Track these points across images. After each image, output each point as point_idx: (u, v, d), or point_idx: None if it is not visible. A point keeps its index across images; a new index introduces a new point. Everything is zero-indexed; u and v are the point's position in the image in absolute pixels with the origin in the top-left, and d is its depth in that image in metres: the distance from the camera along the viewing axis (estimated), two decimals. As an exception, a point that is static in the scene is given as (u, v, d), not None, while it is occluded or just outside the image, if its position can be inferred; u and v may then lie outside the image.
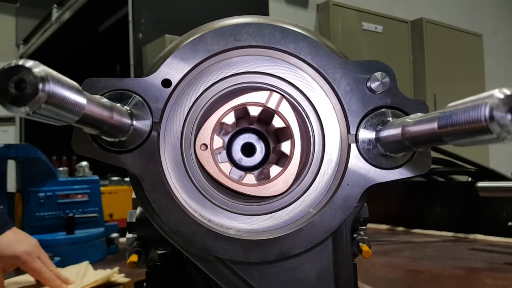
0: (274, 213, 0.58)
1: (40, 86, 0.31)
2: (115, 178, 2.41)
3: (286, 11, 4.82)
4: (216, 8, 3.55)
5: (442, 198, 2.23)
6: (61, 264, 1.52)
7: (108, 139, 0.53)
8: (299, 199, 0.59)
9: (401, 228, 2.31)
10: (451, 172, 2.28)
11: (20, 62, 0.31)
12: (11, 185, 1.80)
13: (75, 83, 0.36)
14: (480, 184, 1.58)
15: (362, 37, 5.02)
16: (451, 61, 5.65)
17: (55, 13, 4.59)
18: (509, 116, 0.32)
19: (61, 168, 1.88)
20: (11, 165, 1.75)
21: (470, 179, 2.21)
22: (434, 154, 2.36)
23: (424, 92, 5.37)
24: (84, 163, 1.92)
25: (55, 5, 4.60)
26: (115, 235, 1.84)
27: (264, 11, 4.06)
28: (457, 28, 5.83)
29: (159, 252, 0.80)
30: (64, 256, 1.58)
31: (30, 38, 5.49)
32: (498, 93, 0.33)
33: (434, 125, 0.40)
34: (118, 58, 4.61)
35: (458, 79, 5.65)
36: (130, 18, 3.40)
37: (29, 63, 0.31)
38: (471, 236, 2.00)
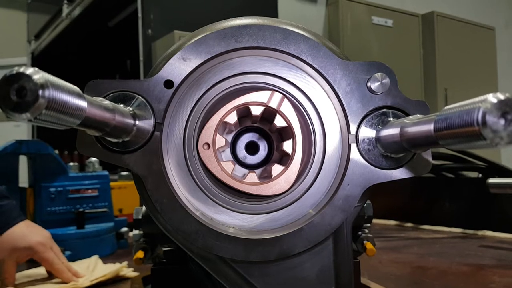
0: (275, 212, 0.59)
1: (40, 92, 0.32)
2: (124, 173, 2.43)
3: (295, 7, 4.79)
4: (224, 3, 3.54)
5: (451, 194, 2.22)
6: (72, 258, 1.55)
7: (112, 139, 0.54)
8: (300, 199, 0.59)
9: (409, 224, 2.31)
10: (461, 168, 2.26)
11: (21, 70, 0.32)
12: (23, 180, 1.83)
13: (75, 88, 0.37)
14: (491, 180, 1.56)
15: (372, 32, 4.98)
16: (463, 55, 5.57)
17: (65, 9, 4.63)
18: (502, 122, 0.32)
19: (71, 164, 1.90)
20: (22, 161, 1.78)
21: (479, 175, 2.19)
22: (443, 150, 2.34)
23: (435, 87, 5.30)
24: (94, 158, 1.94)
25: (65, 1, 4.63)
26: (124, 229, 1.86)
27: (273, 7, 4.04)
28: (469, 22, 5.74)
29: (164, 249, 0.81)
30: (75, 250, 1.61)
31: (41, 34, 5.53)
32: (492, 98, 0.33)
33: (431, 127, 0.40)
34: (128, 54, 4.64)
35: (470, 73, 5.57)
36: (140, 14, 3.42)
37: (29, 71, 0.32)
38: (480, 232, 1.99)
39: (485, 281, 1.27)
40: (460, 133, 0.35)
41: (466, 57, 5.62)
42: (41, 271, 1.35)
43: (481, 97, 0.34)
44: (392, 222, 2.38)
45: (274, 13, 3.95)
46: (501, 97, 0.32)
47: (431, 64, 5.33)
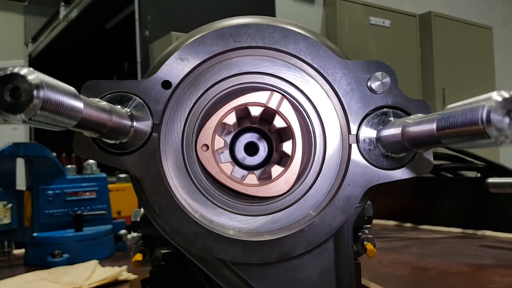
0: (275, 214, 0.58)
1: (35, 93, 0.31)
2: (122, 176, 2.43)
3: (292, 7, 4.80)
4: (222, 4, 3.54)
5: (450, 194, 2.21)
6: (70, 261, 1.54)
7: (109, 141, 0.53)
8: (300, 200, 0.59)
9: (409, 224, 2.30)
10: (460, 168, 2.26)
11: (15, 70, 0.32)
12: (21, 183, 1.82)
13: (71, 88, 0.37)
14: (491, 180, 1.56)
15: (370, 32, 4.98)
16: (460, 55, 5.58)
17: (62, 11, 4.63)
18: (507, 120, 0.31)
19: (69, 166, 1.90)
20: (20, 164, 1.77)
21: (478, 175, 2.19)
22: (442, 150, 2.34)
23: (432, 86, 5.31)
24: (92, 160, 1.93)
25: (62, 3, 4.63)
26: (123, 232, 1.86)
27: (271, 8, 4.04)
28: (466, 22, 5.75)
29: (163, 251, 0.80)
30: (73, 253, 1.60)
31: (39, 36, 5.53)
32: (496, 96, 0.32)
33: (433, 126, 0.40)
34: (125, 55, 4.63)
35: (468, 73, 5.58)
36: (137, 16, 3.42)
37: (24, 71, 0.32)
38: (480, 232, 1.99)
39: (485, 281, 1.26)
40: (464, 131, 0.35)
41: (464, 56, 5.63)
42: (40, 275, 1.35)
43: (485, 95, 0.33)
44: (391, 223, 2.38)
45: (271, 14, 3.95)
46: (506, 95, 0.32)
47: (428, 64, 5.34)
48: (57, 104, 0.34)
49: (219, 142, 0.60)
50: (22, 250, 1.77)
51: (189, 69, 0.57)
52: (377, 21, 5.06)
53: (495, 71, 6.08)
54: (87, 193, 1.83)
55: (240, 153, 0.64)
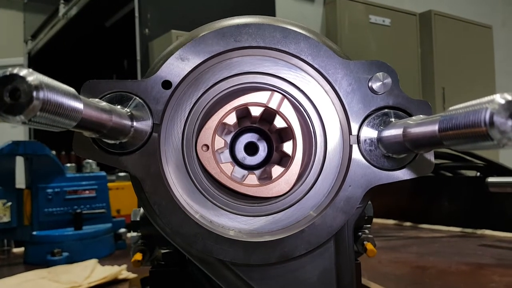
0: (275, 214, 0.58)
1: (34, 94, 0.31)
2: (122, 174, 2.43)
3: (292, 6, 4.79)
4: (221, 3, 3.54)
5: (450, 193, 2.21)
6: (70, 260, 1.54)
7: (109, 141, 0.53)
8: (301, 200, 0.58)
9: (408, 223, 2.30)
10: (459, 167, 2.27)
11: (15, 71, 0.31)
12: (20, 182, 1.82)
13: (71, 89, 0.36)
14: (491, 179, 1.56)
15: (370, 31, 4.98)
16: (460, 54, 5.58)
17: (62, 9, 4.62)
18: (509, 122, 0.31)
19: (68, 164, 1.90)
20: (19, 162, 1.77)
21: (478, 174, 2.19)
22: (442, 149, 2.34)
23: (432, 85, 5.31)
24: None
25: (62, 1, 4.62)
26: (122, 230, 1.86)
27: (271, 6, 4.04)
28: (466, 20, 5.75)
29: (163, 251, 0.80)
30: (72, 251, 1.60)
31: (38, 33, 5.53)
32: (499, 98, 0.32)
33: (435, 128, 0.40)
34: (125, 54, 4.63)
35: (468, 72, 5.58)
36: (136, 14, 3.42)
37: (23, 72, 0.31)
38: (479, 231, 1.99)
39: (485, 281, 1.26)
40: (466, 133, 0.34)
41: (464, 55, 5.63)
42: (40, 273, 1.35)
43: (488, 98, 0.33)
44: (391, 221, 2.38)
45: (271, 13, 3.95)
46: (509, 97, 0.32)
47: (428, 63, 5.34)
48: (57, 105, 0.34)
49: (219, 142, 0.59)
50: (21, 249, 1.77)
51: (190, 69, 0.56)
52: (377, 20, 5.05)
53: (495, 69, 6.08)
54: (87, 192, 1.83)
55: (240, 153, 0.63)
